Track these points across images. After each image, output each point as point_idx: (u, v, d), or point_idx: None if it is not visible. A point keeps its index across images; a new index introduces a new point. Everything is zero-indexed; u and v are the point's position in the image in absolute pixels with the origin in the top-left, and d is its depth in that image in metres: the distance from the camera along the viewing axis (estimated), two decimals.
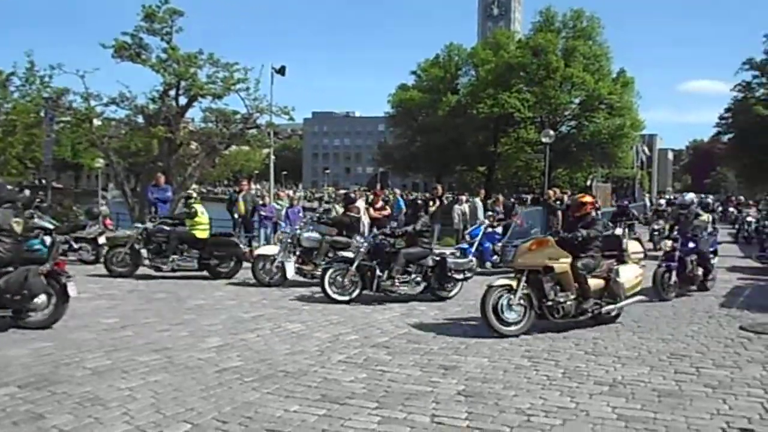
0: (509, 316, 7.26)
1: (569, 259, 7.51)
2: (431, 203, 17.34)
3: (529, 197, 42.92)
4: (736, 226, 23.77)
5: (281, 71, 22.32)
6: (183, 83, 19.22)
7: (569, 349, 6.74)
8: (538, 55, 49.25)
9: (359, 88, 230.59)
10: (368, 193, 27.08)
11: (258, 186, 37.58)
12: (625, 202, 19.72)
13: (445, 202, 20.65)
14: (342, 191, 18.85)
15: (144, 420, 4.47)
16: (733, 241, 21.55)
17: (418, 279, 9.75)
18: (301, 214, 16.54)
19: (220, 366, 5.86)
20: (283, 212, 16.22)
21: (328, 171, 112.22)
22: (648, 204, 37.21)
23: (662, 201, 20.99)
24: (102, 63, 19.48)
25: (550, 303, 7.34)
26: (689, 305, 9.56)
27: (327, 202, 53.61)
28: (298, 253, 11.18)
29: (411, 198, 11.96)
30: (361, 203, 15.65)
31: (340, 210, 14.77)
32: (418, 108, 55.26)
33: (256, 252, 11.77)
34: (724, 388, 5.34)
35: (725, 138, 60.25)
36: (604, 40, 51.84)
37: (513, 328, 7.24)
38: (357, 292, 9.50)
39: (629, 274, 8.13)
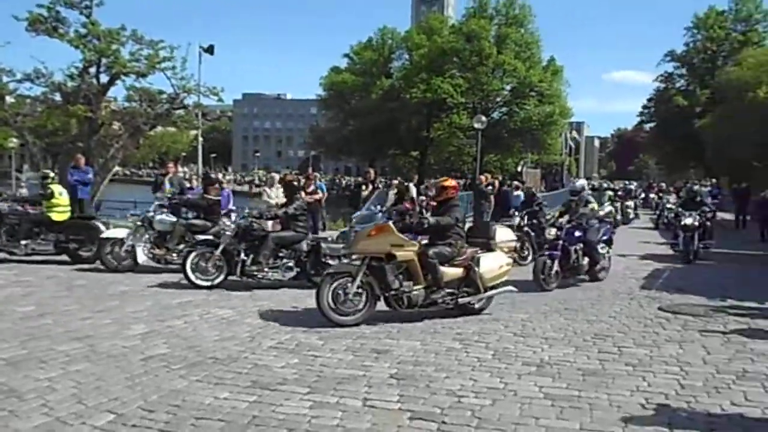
0: (346, 305, 6.96)
1: (415, 247, 7.23)
2: (363, 187, 17.32)
3: (462, 182, 43.45)
4: (657, 212, 24.64)
5: (210, 50, 21.78)
6: (104, 60, 18.36)
7: (499, 330, 6.88)
8: (471, 41, 50.01)
9: (290, 71, 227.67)
10: (300, 177, 26.79)
11: (185, 169, 36.58)
12: (533, 190, 17.60)
13: (379, 186, 20.64)
14: (273, 174, 18.54)
15: (64, 411, 4.27)
16: (654, 228, 22.50)
17: (290, 264, 9.35)
18: (231, 198, 16.19)
19: (146, 354, 5.66)
20: None
21: (258, 154, 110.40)
22: None
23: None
24: (14, 37, 18.30)
25: (393, 292, 7.07)
26: (612, 287, 9.93)
27: (258, 186, 52.83)
28: (148, 236, 10.59)
29: (287, 179, 11.29)
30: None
31: (272, 193, 14.52)
32: (350, 91, 55.17)
33: (102, 235, 10.93)
34: (643, 366, 5.57)
35: (648, 127, 62.98)
36: (536, 28, 53.17)
37: (349, 317, 6.93)
38: (221, 277, 9.13)
39: (492, 264, 7.63)
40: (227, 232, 9.41)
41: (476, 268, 7.47)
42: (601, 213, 16.40)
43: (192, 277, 9.06)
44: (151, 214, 10.78)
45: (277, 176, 16.53)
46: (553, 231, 10.09)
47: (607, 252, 10.86)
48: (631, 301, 8.81)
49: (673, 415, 4.42)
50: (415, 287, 7.16)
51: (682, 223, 13.57)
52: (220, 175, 24.12)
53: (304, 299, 8.49)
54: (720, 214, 20.98)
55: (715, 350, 6.13)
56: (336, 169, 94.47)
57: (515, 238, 8.82)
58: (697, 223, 13.37)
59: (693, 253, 13.20)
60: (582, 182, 11.61)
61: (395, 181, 20.07)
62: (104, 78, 18.93)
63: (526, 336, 6.66)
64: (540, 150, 53.78)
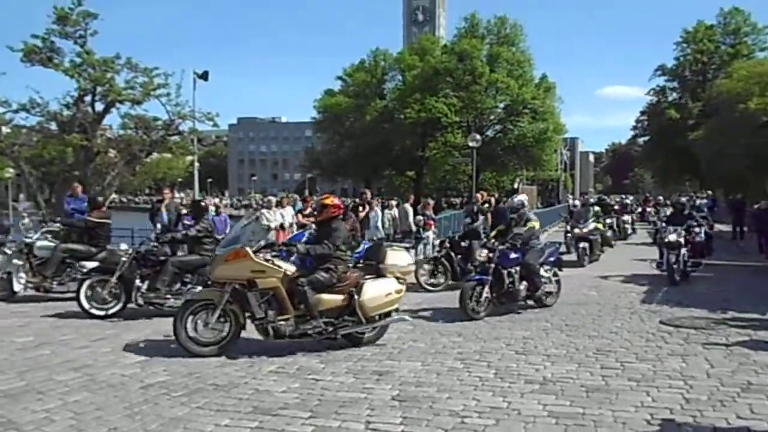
0: (205, 334, 6.55)
1: (280, 274, 6.64)
2: (360, 208, 17.34)
3: (458, 201, 43.59)
4: (655, 228, 24.25)
5: (204, 76, 21.91)
6: (99, 89, 18.47)
7: (500, 349, 6.84)
8: (464, 60, 50.38)
9: (285, 94, 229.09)
10: (297, 200, 26.83)
11: (182, 194, 36.59)
12: (474, 208, 14.16)
13: (375, 207, 20.67)
14: (270, 197, 18.56)
15: None
16: (652, 243, 22.24)
17: (196, 290, 8.45)
18: (228, 223, 16.19)
19: (146, 382, 5.61)
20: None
21: (254, 178, 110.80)
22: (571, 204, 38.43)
23: (576, 202, 20.90)
24: (9, 67, 18.34)
25: (258, 321, 6.59)
26: (613, 302, 9.90)
27: (255, 209, 52.82)
28: (25, 263, 9.80)
29: (194, 200, 10.53)
30: (289, 210, 15.46)
31: (270, 216, 14.51)
32: (345, 113, 55.43)
33: None
34: (647, 381, 5.54)
35: (641, 140, 63.29)
36: (527, 46, 53.65)
37: (210, 348, 6.51)
38: (119, 306, 8.68)
39: (379, 291, 6.94)
40: (123, 258, 8.85)
41: (357, 296, 6.81)
42: (585, 230, 16.43)
43: (86, 306, 8.60)
44: (31, 239, 10.01)
45: (274, 199, 16.55)
46: (485, 252, 9.10)
47: (554, 275, 9.80)
48: (632, 315, 8.78)
49: (679, 431, 4.39)
50: (282, 317, 6.59)
51: (666, 239, 12.33)
52: (216, 200, 24.10)
53: None
54: (717, 226, 20.86)
55: (719, 363, 6.11)
56: (332, 191, 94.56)
57: (411, 261, 8.10)
58: (682, 240, 12.15)
59: (680, 273, 11.89)
60: (521, 198, 10.29)
61: (393, 201, 20.07)
62: (99, 106, 19.05)
63: (528, 353, 6.62)
64: (535, 166, 53.95)
